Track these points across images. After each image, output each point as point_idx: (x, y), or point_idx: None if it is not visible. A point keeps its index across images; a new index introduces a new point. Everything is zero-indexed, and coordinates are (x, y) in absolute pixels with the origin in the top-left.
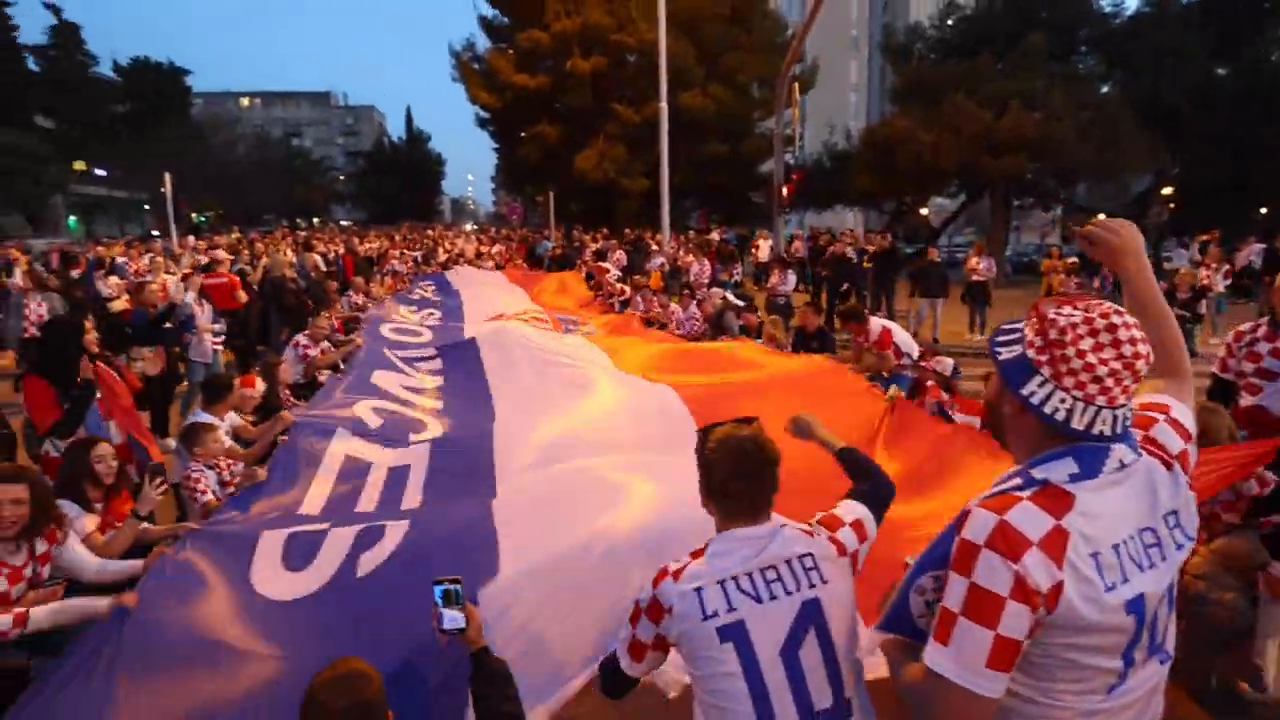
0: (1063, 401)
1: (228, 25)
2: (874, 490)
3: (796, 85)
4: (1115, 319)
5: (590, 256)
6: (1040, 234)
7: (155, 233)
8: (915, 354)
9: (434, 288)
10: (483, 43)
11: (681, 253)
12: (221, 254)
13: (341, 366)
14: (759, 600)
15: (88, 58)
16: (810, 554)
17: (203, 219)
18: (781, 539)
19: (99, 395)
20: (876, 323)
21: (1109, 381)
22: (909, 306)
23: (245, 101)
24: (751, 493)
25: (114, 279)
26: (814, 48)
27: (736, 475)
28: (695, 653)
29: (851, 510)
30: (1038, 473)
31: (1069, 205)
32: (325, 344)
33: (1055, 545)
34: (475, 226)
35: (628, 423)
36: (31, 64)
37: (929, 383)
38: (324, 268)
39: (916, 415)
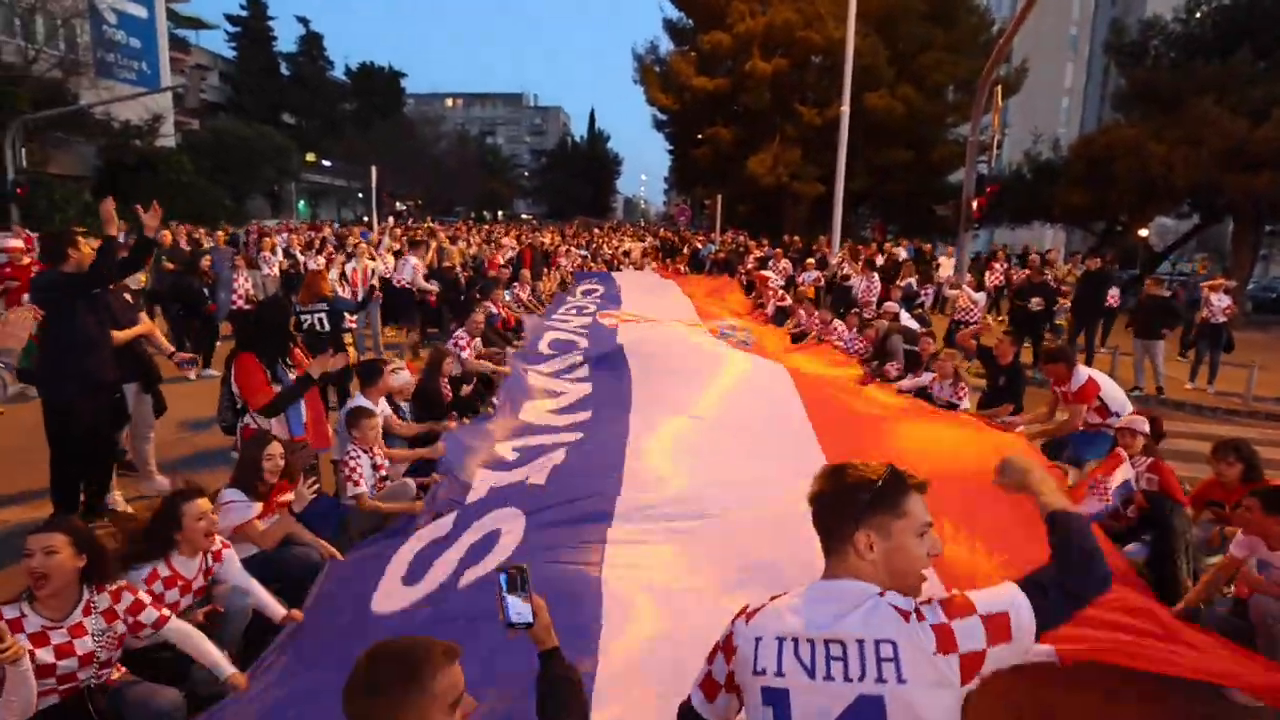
0: None
1: (443, 33)
2: (1065, 580)
3: (999, 88)
4: None
5: (753, 263)
6: None
7: (365, 218)
8: (1125, 412)
9: (598, 287)
10: (666, 45)
11: (845, 266)
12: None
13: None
14: (811, 674)
15: (326, 63)
16: (893, 642)
17: (404, 208)
18: (868, 612)
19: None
20: (1083, 371)
21: None
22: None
23: (450, 102)
24: (824, 528)
25: (320, 259)
26: (1024, 47)
27: (821, 511)
28: (746, 701)
29: (1001, 599)
30: None
31: None
32: (478, 342)
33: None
34: (643, 225)
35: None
36: (284, 69)
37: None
38: (455, 263)
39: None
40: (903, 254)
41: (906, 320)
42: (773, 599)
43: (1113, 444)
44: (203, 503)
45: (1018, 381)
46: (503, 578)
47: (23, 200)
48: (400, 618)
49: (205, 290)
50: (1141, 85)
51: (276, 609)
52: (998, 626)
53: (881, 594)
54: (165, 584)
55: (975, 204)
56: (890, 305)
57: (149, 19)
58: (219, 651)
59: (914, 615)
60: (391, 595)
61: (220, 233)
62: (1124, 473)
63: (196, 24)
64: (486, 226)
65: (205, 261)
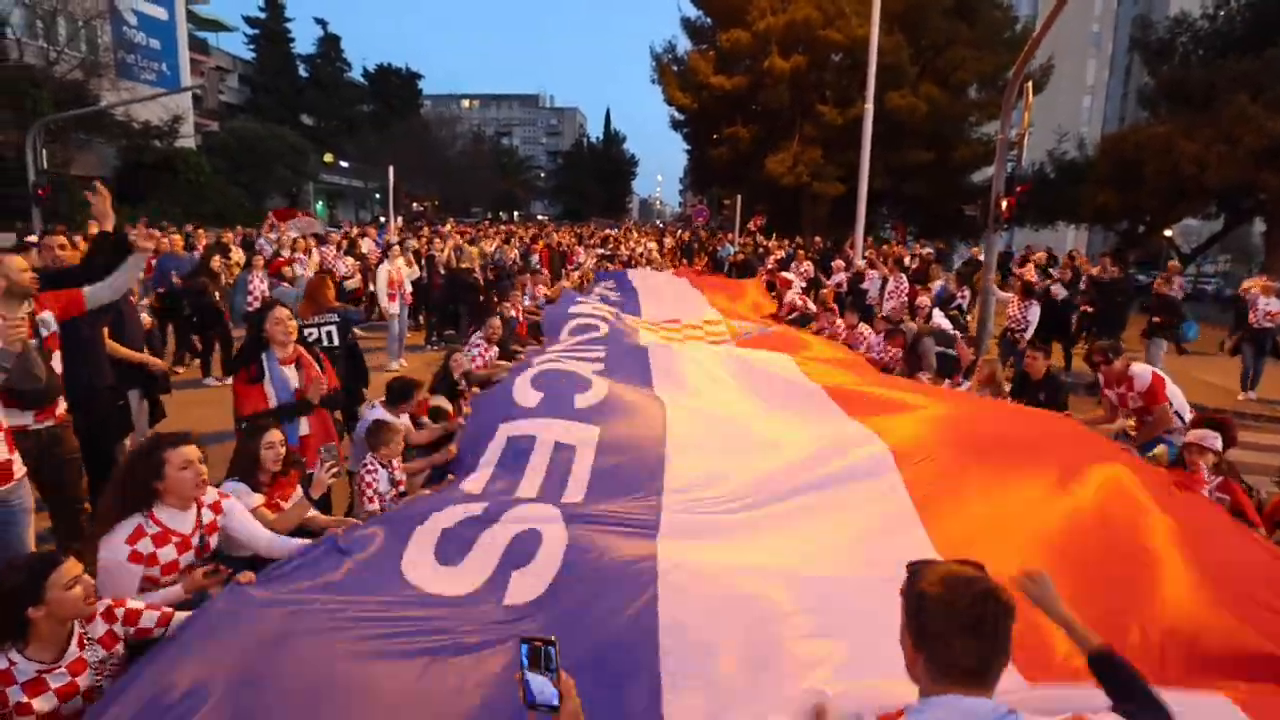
0: None
1: (459, 34)
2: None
3: (1030, 85)
4: None
5: (774, 264)
6: None
7: (382, 219)
8: (1188, 416)
9: (616, 288)
10: (684, 44)
11: (866, 266)
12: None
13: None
14: None
15: (344, 64)
16: None
17: (420, 209)
18: None
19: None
20: (1142, 367)
21: None
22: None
23: (466, 103)
24: (983, 654)
25: (349, 259)
26: (1047, 45)
27: (965, 629)
28: None
29: None
30: None
31: None
32: (494, 351)
33: None
34: (660, 224)
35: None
36: (302, 71)
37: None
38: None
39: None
40: (931, 254)
41: (939, 319)
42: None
43: (1177, 455)
44: (188, 449)
45: (1058, 391)
46: (524, 650)
47: (44, 201)
48: (446, 604)
49: (216, 297)
50: (1170, 83)
51: (296, 544)
52: None
53: (1011, 713)
54: (155, 540)
55: (1005, 203)
56: (923, 301)
57: (169, 20)
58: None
59: None
60: (420, 568)
61: (231, 233)
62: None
63: (216, 26)
64: (504, 227)
65: (215, 263)
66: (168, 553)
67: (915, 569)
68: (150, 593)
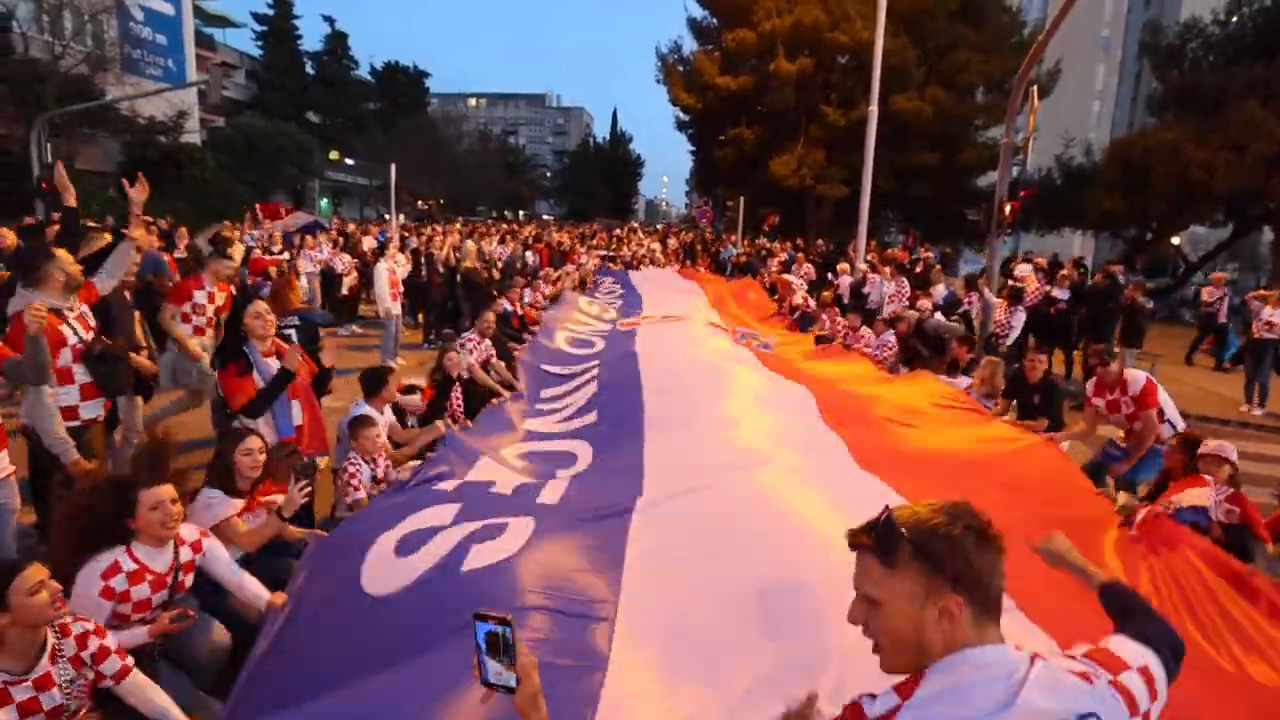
0: None
1: (467, 33)
2: (1158, 633)
3: (1036, 89)
4: None
5: (777, 267)
6: None
7: (385, 216)
8: (1180, 426)
9: (617, 287)
10: (690, 45)
11: (869, 270)
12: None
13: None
14: None
15: (351, 62)
16: (1095, 715)
17: (425, 207)
18: (1045, 680)
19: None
20: (1137, 372)
21: None
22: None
23: (473, 102)
24: (1000, 588)
25: (346, 256)
26: (1055, 49)
27: (994, 547)
28: None
29: (1136, 652)
30: None
31: None
32: (488, 343)
33: None
34: (664, 225)
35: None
36: (309, 68)
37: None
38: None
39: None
40: (933, 258)
41: (940, 322)
42: (898, 692)
43: (1161, 472)
44: (161, 490)
45: (1053, 395)
46: (480, 630)
47: (48, 194)
48: (398, 600)
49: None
50: (1179, 88)
51: (262, 597)
52: (1149, 680)
53: (1035, 655)
54: (131, 578)
55: (1009, 208)
56: (924, 305)
57: (175, 16)
58: (171, 705)
59: (1091, 675)
60: (382, 569)
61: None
62: (1198, 497)
63: (224, 22)
64: (506, 226)
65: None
66: (141, 590)
67: (890, 516)
68: (118, 631)
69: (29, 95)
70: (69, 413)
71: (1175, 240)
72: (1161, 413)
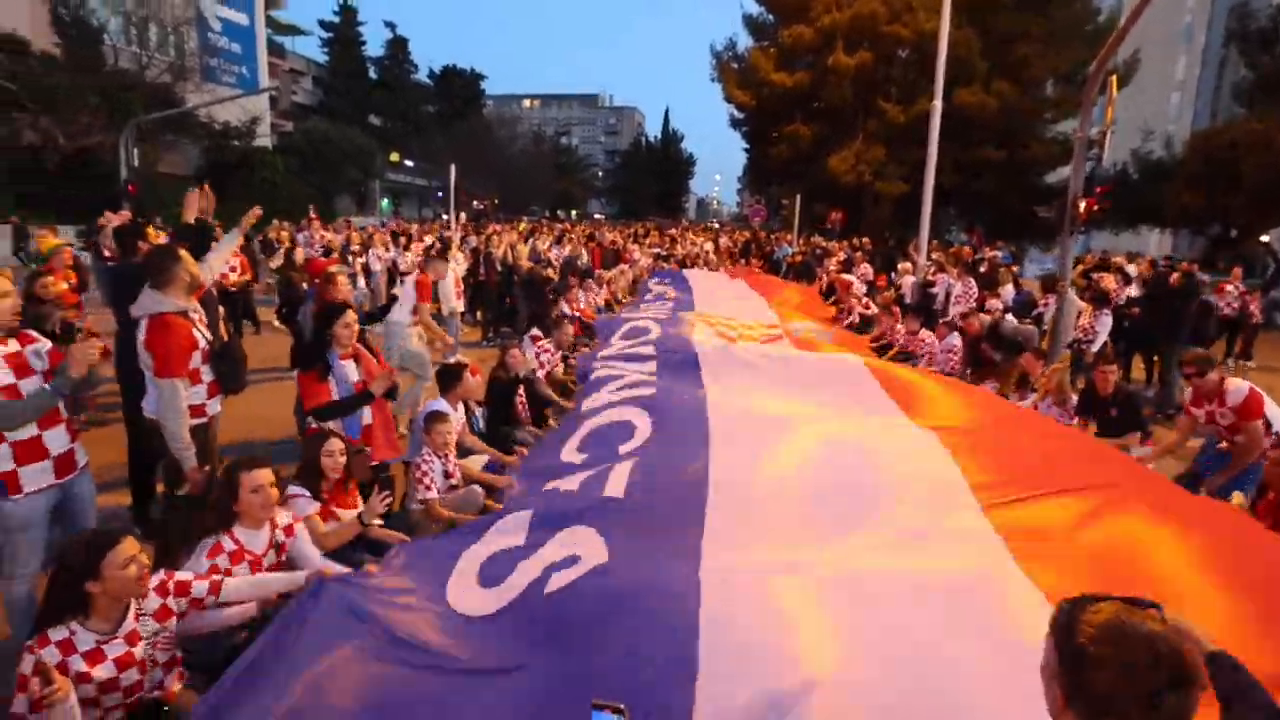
0: None
1: (522, 34)
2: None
3: (1114, 80)
4: None
5: (835, 266)
6: None
7: (444, 216)
8: None
9: (671, 288)
10: (745, 42)
11: (936, 269)
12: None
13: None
14: None
15: (411, 65)
16: None
17: (480, 207)
18: None
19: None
20: (1239, 381)
21: None
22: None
23: (527, 103)
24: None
25: (408, 255)
26: (1133, 38)
27: (1142, 705)
28: None
29: None
30: None
31: None
32: (559, 356)
33: None
34: (715, 224)
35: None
36: (371, 73)
37: None
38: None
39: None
40: (1000, 257)
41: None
42: None
43: (1261, 481)
44: (260, 474)
45: (1132, 404)
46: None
47: (133, 197)
48: (488, 622)
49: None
50: (1271, 75)
51: (296, 576)
52: None
53: None
54: (232, 558)
55: (1084, 205)
56: (994, 305)
57: (249, 25)
58: (287, 574)
59: None
60: (468, 595)
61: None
62: None
63: (293, 30)
64: (562, 225)
65: (299, 254)
66: (242, 570)
67: (1069, 607)
68: (227, 609)
69: (118, 104)
70: (195, 410)
71: (1265, 238)
72: (1269, 424)
